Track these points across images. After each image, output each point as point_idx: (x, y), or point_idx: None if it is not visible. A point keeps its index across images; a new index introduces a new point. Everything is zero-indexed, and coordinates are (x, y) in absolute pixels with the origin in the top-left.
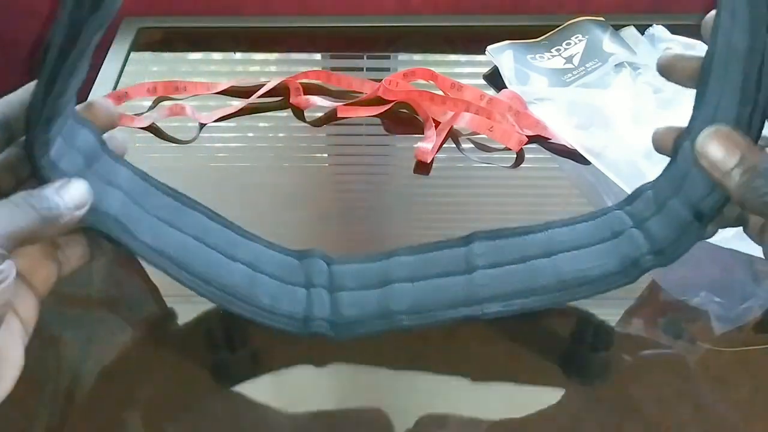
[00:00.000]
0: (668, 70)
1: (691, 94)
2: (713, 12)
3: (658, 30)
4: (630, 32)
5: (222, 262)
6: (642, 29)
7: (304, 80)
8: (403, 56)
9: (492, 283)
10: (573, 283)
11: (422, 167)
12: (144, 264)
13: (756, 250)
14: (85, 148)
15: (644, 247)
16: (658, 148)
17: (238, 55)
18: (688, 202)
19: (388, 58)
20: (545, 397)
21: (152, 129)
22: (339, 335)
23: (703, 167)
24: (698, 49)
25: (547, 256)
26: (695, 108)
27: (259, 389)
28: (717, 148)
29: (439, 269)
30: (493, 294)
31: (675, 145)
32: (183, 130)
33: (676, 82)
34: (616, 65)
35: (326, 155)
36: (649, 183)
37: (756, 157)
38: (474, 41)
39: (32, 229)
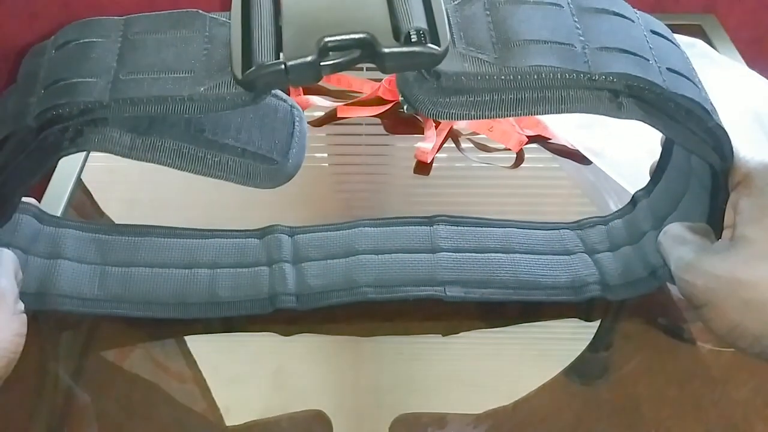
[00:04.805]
0: None
1: None
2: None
3: None
4: None
5: (180, 277)
6: None
7: None
8: None
9: (454, 266)
10: (527, 285)
11: (422, 167)
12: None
13: None
14: (22, 237)
15: (595, 276)
16: None
17: None
18: (644, 259)
19: None
20: (545, 397)
21: None
22: (303, 307)
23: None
24: (698, 47)
25: (505, 252)
26: (654, 181)
27: (257, 385)
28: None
29: (403, 244)
30: (456, 278)
31: (633, 199)
32: None
33: None
34: None
35: (326, 155)
36: (598, 217)
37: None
38: None
39: None
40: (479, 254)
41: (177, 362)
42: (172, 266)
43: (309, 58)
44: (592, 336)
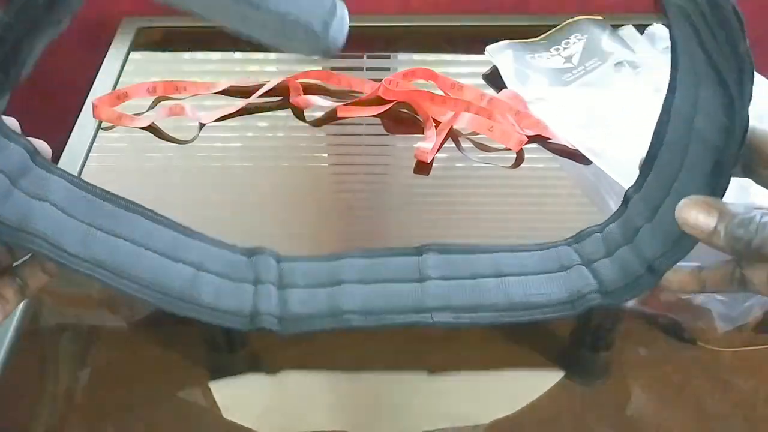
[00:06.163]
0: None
1: None
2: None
3: (657, 29)
4: (629, 31)
5: (163, 264)
6: (641, 29)
7: (304, 80)
8: (403, 56)
9: (443, 293)
10: (520, 306)
11: (422, 167)
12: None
13: None
14: (10, 166)
15: (593, 285)
16: None
17: (238, 55)
18: (640, 255)
19: (388, 58)
20: (545, 397)
21: (152, 129)
22: (286, 330)
23: (689, 232)
24: None
25: (496, 276)
26: (644, 174)
27: (258, 388)
28: (696, 214)
29: (390, 274)
30: (444, 304)
31: (626, 197)
32: (183, 129)
33: None
34: (615, 64)
35: (326, 155)
36: (596, 226)
37: (731, 213)
38: (474, 41)
39: None
40: (469, 280)
41: (177, 363)
42: (157, 252)
43: None
44: (592, 336)
